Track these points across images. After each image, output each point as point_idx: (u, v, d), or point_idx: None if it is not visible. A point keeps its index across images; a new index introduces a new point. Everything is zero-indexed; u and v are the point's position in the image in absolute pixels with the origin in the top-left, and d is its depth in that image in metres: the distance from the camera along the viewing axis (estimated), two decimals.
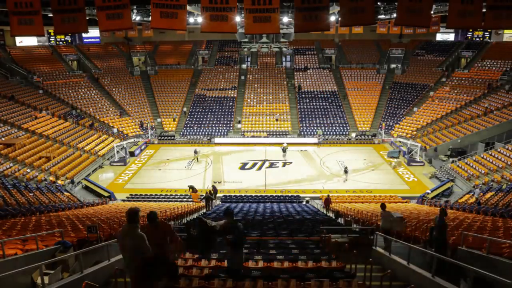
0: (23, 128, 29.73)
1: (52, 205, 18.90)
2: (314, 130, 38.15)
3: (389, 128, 37.98)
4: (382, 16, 22.06)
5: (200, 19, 13.29)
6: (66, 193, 23.21)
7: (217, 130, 38.74)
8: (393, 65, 45.51)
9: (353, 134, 37.46)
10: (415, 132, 35.94)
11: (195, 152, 31.96)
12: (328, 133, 37.93)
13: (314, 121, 39.44)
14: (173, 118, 40.22)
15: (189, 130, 38.80)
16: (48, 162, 26.62)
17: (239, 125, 39.49)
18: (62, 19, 9.38)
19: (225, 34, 39.22)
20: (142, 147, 35.10)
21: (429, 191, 24.06)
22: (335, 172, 28.90)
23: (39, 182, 23.89)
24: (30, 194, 20.25)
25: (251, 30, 9.88)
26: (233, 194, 24.78)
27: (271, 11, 9.45)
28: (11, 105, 32.19)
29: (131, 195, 24.49)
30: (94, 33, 45.19)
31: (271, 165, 30.59)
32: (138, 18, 21.54)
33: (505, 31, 43.45)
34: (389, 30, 42.67)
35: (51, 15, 10.00)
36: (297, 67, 46.41)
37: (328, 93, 42.68)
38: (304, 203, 23.08)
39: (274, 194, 24.89)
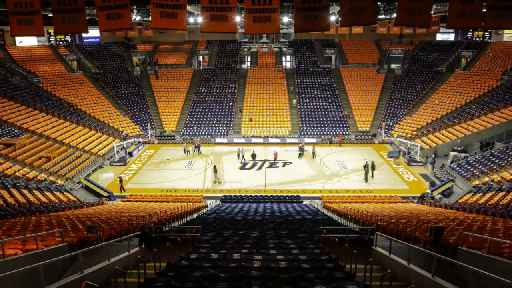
0: (23, 128, 29.73)
1: (52, 205, 18.90)
2: (314, 130, 38.23)
3: (389, 128, 37.98)
4: (382, 16, 22.10)
5: (200, 19, 13.30)
6: (66, 193, 23.21)
7: (217, 130, 38.73)
8: (393, 65, 45.48)
9: (353, 136, 37.50)
10: (415, 132, 35.93)
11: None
12: (328, 133, 37.94)
13: (314, 121, 39.44)
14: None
15: (189, 130, 38.78)
16: (48, 162, 26.61)
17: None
18: (62, 19, 9.39)
19: (225, 34, 39.30)
20: (140, 147, 34.97)
21: (429, 191, 24.04)
22: (335, 172, 28.90)
23: (39, 182, 23.88)
24: (30, 194, 20.24)
25: (251, 30, 9.89)
26: (233, 194, 24.75)
27: (271, 11, 9.46)
28: (11, 105, 32.19)
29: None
30: (94, 33, 45.22)
31: (271, 165, 30.58)
32: (138, 18, 21.56)
33: (505, 31, 43.49)
34: (389, 30, 42.76)
35: (51, 15, 10.01)
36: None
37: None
38: (304, 203, 23.08)
39: (274, 194, 24.89)
